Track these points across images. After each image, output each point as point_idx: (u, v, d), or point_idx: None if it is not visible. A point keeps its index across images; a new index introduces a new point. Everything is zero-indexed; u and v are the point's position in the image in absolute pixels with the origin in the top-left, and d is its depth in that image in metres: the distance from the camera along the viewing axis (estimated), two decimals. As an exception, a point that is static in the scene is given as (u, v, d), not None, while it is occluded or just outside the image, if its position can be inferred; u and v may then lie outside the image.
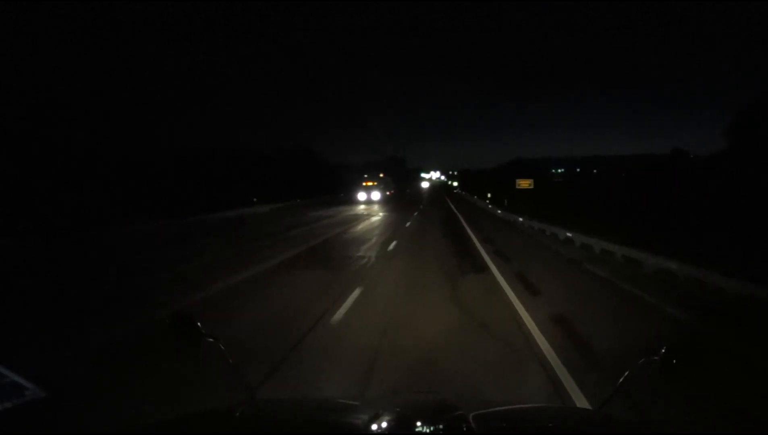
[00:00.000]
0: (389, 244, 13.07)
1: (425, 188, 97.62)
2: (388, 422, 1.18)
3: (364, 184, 39.27)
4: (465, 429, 1.08)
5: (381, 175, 44.17)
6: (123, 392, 3.50)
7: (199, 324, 1.57)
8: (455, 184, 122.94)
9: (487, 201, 35.38)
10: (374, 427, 1.13)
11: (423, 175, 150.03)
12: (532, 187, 32.71)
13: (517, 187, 32.49)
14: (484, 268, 9.56)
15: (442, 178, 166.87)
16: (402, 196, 51.20)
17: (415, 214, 26.68)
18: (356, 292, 6.93)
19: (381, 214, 26.42)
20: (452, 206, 36.06)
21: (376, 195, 37.50)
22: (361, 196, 37.15)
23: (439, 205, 37.56)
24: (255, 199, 32.75)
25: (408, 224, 20.05)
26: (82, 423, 2.50)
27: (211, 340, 1.57)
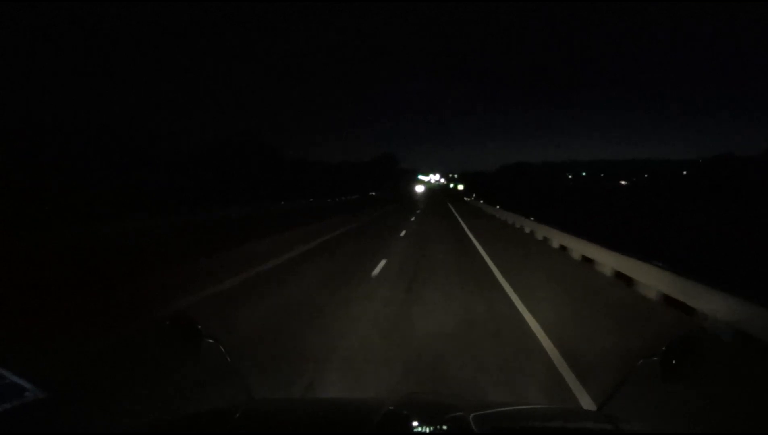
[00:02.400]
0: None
1: (420, 194, 73.57)
2: (389, 422, 1.17)
3: None
4: (465, 429, 1.07)
5: None
6: (123, 393, 3.50)
7: (199, 326, 1.58)
8: (460, 187, 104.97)
9: None
10: (374, 427, 1.12)
11: (421, 177, 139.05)
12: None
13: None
14: None
15: (442, 181, 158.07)
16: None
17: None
18: None
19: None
20: None
21: None
22: None
23: None
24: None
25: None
26: (82, 423, 2.50)
27: (210, 341, 1.58)
